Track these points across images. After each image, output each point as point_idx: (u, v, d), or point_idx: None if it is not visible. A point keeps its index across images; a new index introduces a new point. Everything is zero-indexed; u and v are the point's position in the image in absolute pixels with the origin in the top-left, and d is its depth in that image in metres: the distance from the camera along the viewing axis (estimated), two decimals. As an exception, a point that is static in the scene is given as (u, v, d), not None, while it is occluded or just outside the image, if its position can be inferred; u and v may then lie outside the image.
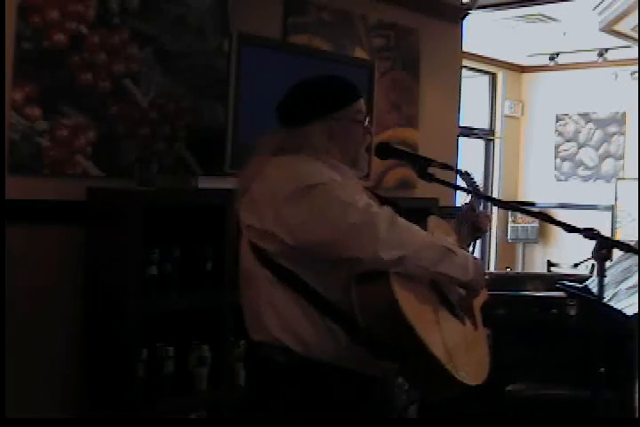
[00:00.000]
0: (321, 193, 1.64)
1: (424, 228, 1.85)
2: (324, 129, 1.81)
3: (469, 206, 2.13)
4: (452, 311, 1.80)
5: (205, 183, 2.72)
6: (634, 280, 3.32)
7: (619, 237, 6.84)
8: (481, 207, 2.17)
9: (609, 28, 5.64)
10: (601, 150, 7.52)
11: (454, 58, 4.51)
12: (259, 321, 1.75)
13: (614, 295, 3.29)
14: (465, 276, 1.73)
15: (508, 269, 7.38)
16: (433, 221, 1.99)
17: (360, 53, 3.81)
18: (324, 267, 1.67)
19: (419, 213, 1.93)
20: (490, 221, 2.18)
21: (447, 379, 1.63)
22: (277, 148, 1.79)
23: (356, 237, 1.59)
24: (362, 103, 1.89)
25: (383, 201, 1.94)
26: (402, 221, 1.66)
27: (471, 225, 2.10)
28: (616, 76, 7.23)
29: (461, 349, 1.74)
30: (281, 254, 1.69)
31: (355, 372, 1.72)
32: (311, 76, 1.90)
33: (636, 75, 6.82)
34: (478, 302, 1.96)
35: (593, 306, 3.27)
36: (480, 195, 2.17)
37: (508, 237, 7.64)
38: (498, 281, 4.14)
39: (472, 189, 2.14)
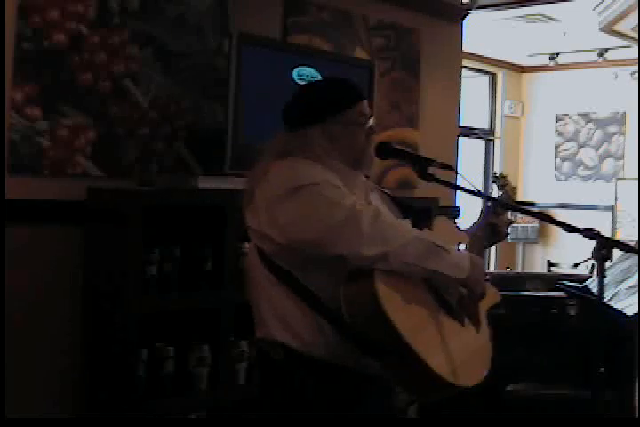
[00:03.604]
0: (310, 193, 1.67)
1: (430, 228, 1.88)
2: (325, 132, 1.83)
3: (493, 210, 2.12)
4: (450, 312, 1.80)
5: (205, 183, 2.72)
6: (634, 280, 3.31)
7: (619, 237, 6.84)
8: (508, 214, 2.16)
9: (609, 28, 5.64)
10: (601, 150, 7.52)
11: (454, 58, 4.51)
12: (260, 319, 1.82)
13: (614, 295, 3.29)
14: (458, 273, 1.73)
15: (508, 269, 7.37)
16: (441, 222, 1.99)
17: (360, 53, 3.81)
18: (314, 266, 1.71)
19: (419, 213, 1.94)
20: (510, 225, 2.18)
21: (433, 379, 1.62)
22: (281, 151, 1.82)
23: (340, 234, 1.62)
24: (364, 105, 1.89)
25: (397, 203, 1.99)
26: (387, 217, 1.69)
27: (491, 229, 2.10)
28: (616, 76, 7.22)
29: (456, 349, 1.73)
30: (276, 254, 1.74)
31: (347, 369, 1.74)
32: (316, 80, 1.92)
33: (636, 75, 6.82)
34: (486, 303, 1.95)
35: (593, 306, 3.27)
36: (508, 200, 2.16)
37: (508, 237, 7.62)
38: (498, 281, 4.13)
39: (503, 192, 2.15)
